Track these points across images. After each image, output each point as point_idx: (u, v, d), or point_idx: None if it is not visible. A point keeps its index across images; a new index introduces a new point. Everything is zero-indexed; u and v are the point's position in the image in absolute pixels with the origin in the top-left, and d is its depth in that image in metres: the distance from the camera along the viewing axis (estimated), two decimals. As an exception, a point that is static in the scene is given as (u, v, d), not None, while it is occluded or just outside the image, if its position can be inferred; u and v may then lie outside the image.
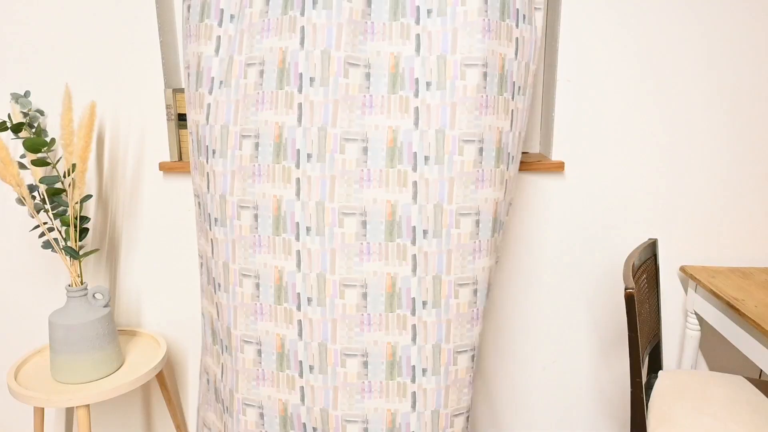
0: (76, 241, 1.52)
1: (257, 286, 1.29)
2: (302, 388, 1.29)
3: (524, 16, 1.26)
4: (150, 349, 1.68)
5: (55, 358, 1.49)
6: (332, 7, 1.19)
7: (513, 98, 1.28)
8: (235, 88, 1.27)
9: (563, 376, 1.83)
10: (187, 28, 1.31)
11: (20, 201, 1.52)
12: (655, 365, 1.65)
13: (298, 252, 1.26)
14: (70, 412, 1.88)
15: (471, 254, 1.29)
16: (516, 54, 1.26)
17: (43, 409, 1.67)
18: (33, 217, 1.55)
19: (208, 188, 1.31)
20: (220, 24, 1.28)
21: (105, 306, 1.55)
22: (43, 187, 1.54)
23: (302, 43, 1.22)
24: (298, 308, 1.28)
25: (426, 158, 1.24)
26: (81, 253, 1.60)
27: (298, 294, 1.27)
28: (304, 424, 1.30)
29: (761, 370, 1.79)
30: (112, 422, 1.89)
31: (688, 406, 1.39)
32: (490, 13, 1.22)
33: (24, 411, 1.88)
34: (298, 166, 1.25)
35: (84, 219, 1.55)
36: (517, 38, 1.26)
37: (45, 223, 1.59)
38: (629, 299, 1.26)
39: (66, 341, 1.47)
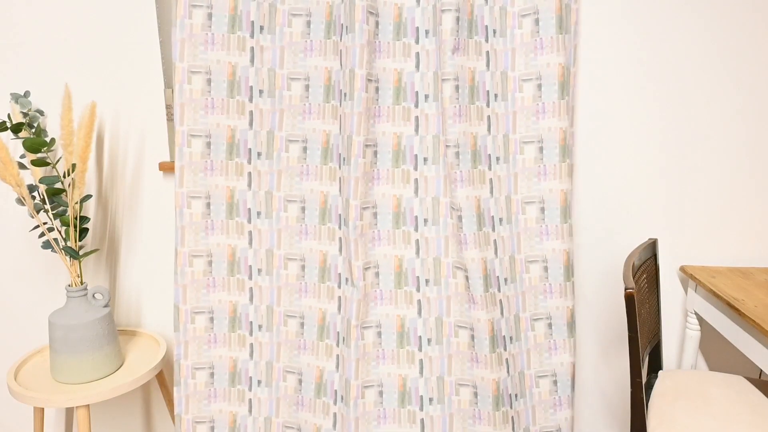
0: (75, 241, 1.52)
1: (303, 267, 1.49)
2: (338, 356, 1.48)
3: (494, 30, 1.41)
4: (150, 349, 1.68)
5: (55, 358, 1.49)
6: (355, 31, 1.36)
7: (489, 105, 1.45)
8: (279, 99, 1.45)
9: (563, 376, 1.83)
10: (208, 35, 1.40)
11: (20, 201, 1.52)
12: (655, 365, 1.65)
13: (340, 239, 1.47)
14: (70, 412, 1.88)
15: (459, 244, 1.46)
16: (488, 65, 1.43)
17: (43, 409, 1.67)
18: (33, 217, 1.55)
19: (250, 186, 1.48)
20: (252, 35, 1.41)
21: (105, 306, 1.55)
22: (42, 187, 1.54)
23: (341, 63, 1.42)
24: (339, 286, 1.48)
25: (425, 159, 1.46)
26: (81, 253, 1.60)
27: (339, 274, 1.47)
28: (336, 391, 1.48)
29: (761, 370, 1.79)
30: (112, 422, 1.89)
31: (688, 406, 1.39)
32: (460, 32, 1.38)
33: (24, 411, 1.88)
34: (339, 167, 1.46)
35: (84, 219, 1.55)
36: (487, 51, 1.43)
37: (45, 223, 1.59)
38: (629, 299, 1.26)
39: (66, 341, 1.47)
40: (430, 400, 1.48)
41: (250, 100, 1.44)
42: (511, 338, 1.47)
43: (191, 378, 1.51)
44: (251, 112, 1.45)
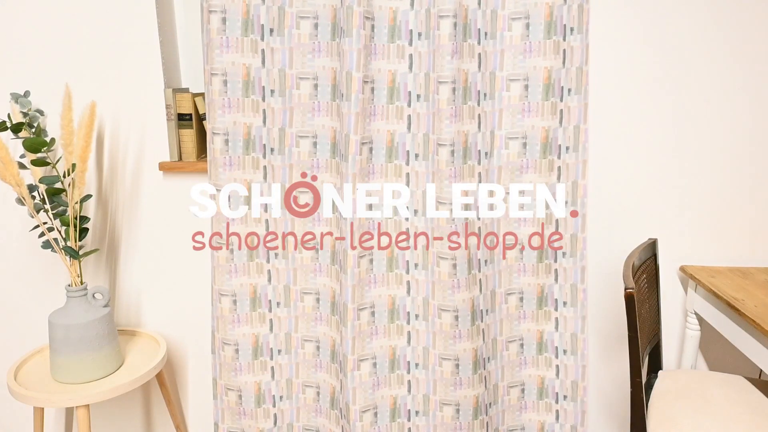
0: (75, 241, 1.52)
1: (317, 251, 1.64)
2: (341, 330, 1.62)
3: (486, 33, 1.50)
4: (150, 349, 1.68)
5: (54, 358, 1.49)
6: (353, 35, 1.43)
7: (479, 104, 1.54)
8: (288, 97, 1.53)
9: (563, 376, 1.83)
10: (223, 38, 1.46)
11: (20, 201, 1.52)
12: (655, 365, 1.65)
13: (341, 228, 1.59)
14: (70, 412, 1.88)
15: (447, 236, 1.57)
16: (479, 66, 1.52)
17: (43, 409, 1.67)
18: (33, 217, 1.55)
19: (265, 178, 1.58)
20: (262, 38, 1.49)
21: (105, 306, 1.55)
22: (42, 187, 1.54)
23: (339, 65, 1.50)
24: (343, 271, 1.58)
25: (416, 155, 1.56)
26: (81, 253, 1.60)
27: (340, 260, 1.59)
28: (341, 362, 1.64)
29: (761, 370, 1.79)
30: (112, 422, 1.90)
31: (688, 406, 1.40)
32: (457, 36, 1.46)
33: (24, 411, 1.88)
34: (341, 162, 1.55)
35: (84, 219, 1.55)
36: (479, 53, 1.51)
37: (45, 223, 1.59)
38: (629, 299, 1.26)
39: (66, 341, 1.47)
40: (416, 365, 1.65)
41: (263, 99, 1.53)
42: (487, 311, 1.63)
43: (221, 350, 1.63)
44: (264, 111, 1.54)
